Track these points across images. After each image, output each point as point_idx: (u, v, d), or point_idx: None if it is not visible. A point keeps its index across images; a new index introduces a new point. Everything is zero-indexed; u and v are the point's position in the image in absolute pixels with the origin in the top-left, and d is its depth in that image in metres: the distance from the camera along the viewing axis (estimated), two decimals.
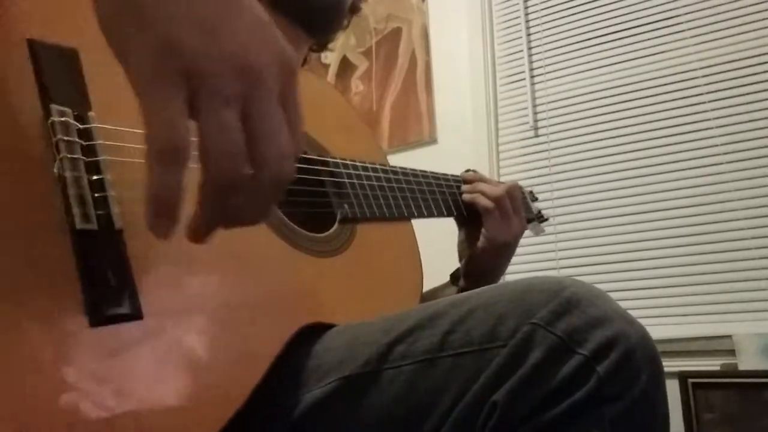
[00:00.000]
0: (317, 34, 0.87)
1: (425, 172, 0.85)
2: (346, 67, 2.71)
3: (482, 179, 0.90)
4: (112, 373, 0.42)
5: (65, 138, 0.46)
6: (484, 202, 0.86)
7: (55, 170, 0.45)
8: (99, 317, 0.42)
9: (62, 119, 0.46)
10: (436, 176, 0.86)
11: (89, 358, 0.41)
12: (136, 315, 0.44)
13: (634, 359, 0.45)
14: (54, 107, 0.47)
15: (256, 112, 0.35)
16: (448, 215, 0.87)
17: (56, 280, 0.42)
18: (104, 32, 0.36)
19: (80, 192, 0.45)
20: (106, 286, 0.44)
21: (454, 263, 0.92)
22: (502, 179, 2.11)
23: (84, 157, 0.47)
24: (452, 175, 0.90)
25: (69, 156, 0.46)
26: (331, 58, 2.75)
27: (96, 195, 0.46)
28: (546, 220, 1.06)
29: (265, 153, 0.35)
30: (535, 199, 1.05)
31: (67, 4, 0.52)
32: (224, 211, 0.37)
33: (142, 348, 0.44)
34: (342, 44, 2.74)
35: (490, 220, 0.86)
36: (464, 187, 0.89)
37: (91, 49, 0.50)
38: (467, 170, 0.93)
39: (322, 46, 0.91)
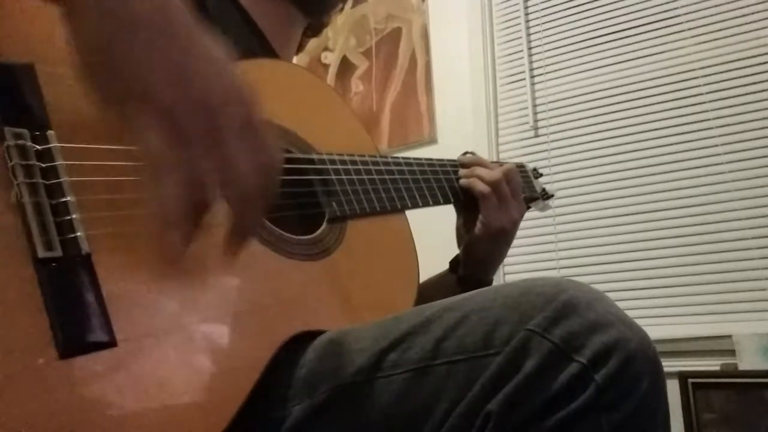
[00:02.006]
0: (313, 13, 0.84)
1: (419, 159, 0.81)
2: (346, 67, 2.71)
3: (480, 162, 0.87)
4: (87, 405, 0.40)
5: (21, 162, 0.43)
6: (480, 187, 0.83)
7: (13, 198, 0.43)
8: (68, 348, 0.40)
9: (18, 142, 0.44)
10: (431, 163, 0.83)
11: (61, 392, 0.39)
12: (109, 342, 0.42)
13: (634, 365, 0.43)
14: (8, 130, 0.44)
15: (220, 145, 0.41)
16: (445, 203, 0.83)
17: (20, 314, 0.40)
18: (86, 81, 0.41)
19: (41, 218, 0.43)
20: (75, 315, 0.42)
21: (455, 250, 0.90)
22: None
23: (44, 181, 0.44)
24: (449, 160, 0.86)
25: (26, 181, 0.43)
26: (331, 58, 2.75)
27: (59, 219, 0.44)
28: (551, 196, 1.02)
29: (229, 176, 0.41)
30: (539, 176, 1.01)
31: (21, 19, 0.49)
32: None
33: (119, 376, 0.42)
34: (342, 44, 2.74)
35: (487, 206, 0.82)
36: (461, 172, 0.86)
37: (49, 63, 0.48)
38: (465, 153, 0.89)
39: (316, 30, 0.89)
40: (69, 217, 0.44)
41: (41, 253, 0.42)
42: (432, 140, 2.44)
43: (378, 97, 2.60)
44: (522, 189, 0.88)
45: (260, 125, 0.43)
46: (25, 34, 0.49)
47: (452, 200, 0.84)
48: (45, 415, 0.38)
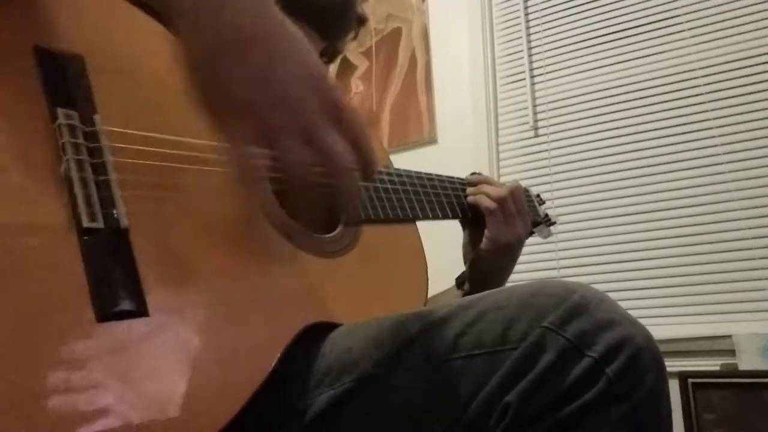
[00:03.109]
0: (328, 34, 0.87)
1: (430, 174, 0.85)
2: (346, 67, 2.71)
3: (487, 181, 0.90)
4: (117, 368, 0.43)
5: (71, 140, 0.47)
6: (486, 202, 0.86)
7: (62, 171, 0.46)
8: (105, 313, 0.43)
9: (68, 122, 0.48)
10: (441, 179, 0.86)
11: (95, 352, 0.42)
12: (141, 312, 0.45)
13: (640, 361, 0.46)
14: (60, 111, 0.48)
15: (315, 137, 0.45)
16: (453, 217, 0.87)
17: (64, 277, 0.43)
18: (191, 89, 0.45)
19: (86, 192, 0.46)
20: (113, 283, 0.45)
21: (461, 267, 0.92)
22: (502, 179, 2.11)
23: (90, 159, 0.48)
24: (458, 178, 0.90)
25: (75, 157, 0.47)
26: None
27: (102, 195, 0.47)
28: (554, 223, 1.06)
29: (330, 165, 0.45)
30: (543, 203, 1.05)
31: (74, 12, 0.53)
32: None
33: (148, 344, 0.45)
34: None
35: (492, 221, 0.86)
36: (469, 189, 0.89)
37: (97, 54, 0.53)
38: (473, 173, 0.93)
39: (332, 56, 0.91)
40: (110, 194, 0.48)
41: (86, 223, 0.45)
42: (432, 140, 2.45)
43: (378, 97, 2.60)
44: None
45: (343, 106, 0.47)
46: (77, 28, 0.53)
47: (459, 216, 0.87)
48: (81, 373, 0.41)
